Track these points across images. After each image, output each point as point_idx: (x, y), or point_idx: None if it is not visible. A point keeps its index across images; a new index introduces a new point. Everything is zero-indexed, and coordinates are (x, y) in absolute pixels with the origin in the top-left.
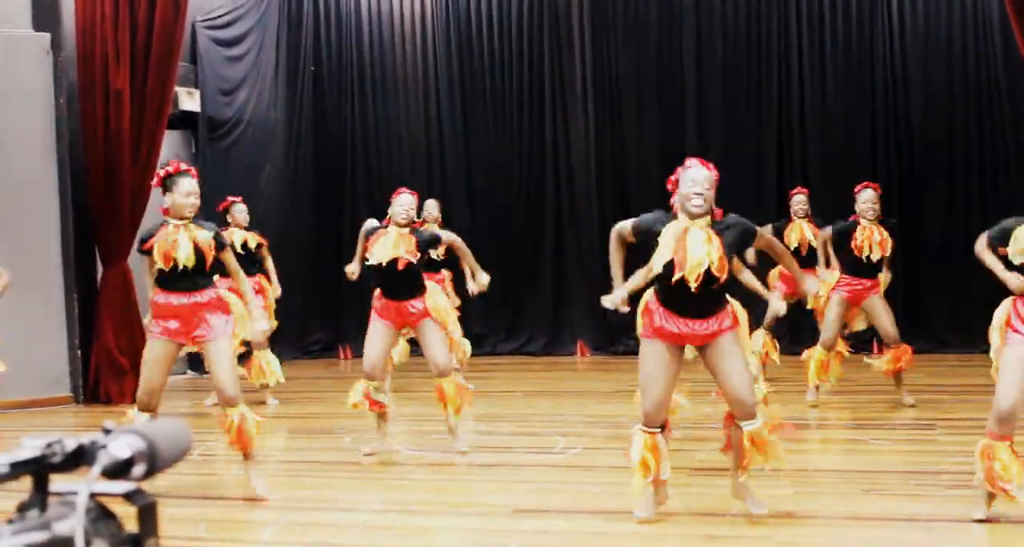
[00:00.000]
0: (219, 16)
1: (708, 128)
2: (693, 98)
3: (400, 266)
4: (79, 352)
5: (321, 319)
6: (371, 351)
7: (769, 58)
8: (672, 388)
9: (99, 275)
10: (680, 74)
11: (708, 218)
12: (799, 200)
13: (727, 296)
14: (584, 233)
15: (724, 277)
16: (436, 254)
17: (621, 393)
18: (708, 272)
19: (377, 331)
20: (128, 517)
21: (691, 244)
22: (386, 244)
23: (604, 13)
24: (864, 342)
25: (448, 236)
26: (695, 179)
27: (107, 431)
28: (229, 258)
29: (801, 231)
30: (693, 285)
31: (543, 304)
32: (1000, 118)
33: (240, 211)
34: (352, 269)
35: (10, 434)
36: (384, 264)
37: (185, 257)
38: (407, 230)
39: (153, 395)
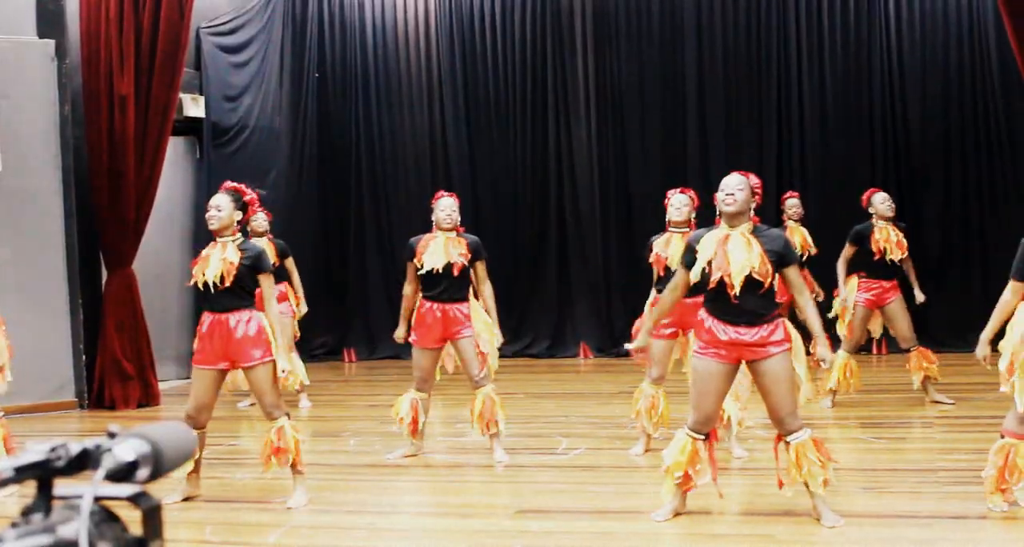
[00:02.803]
0: (223, 22)
1: (709, 135)
2: (695, 105)
3: (455, 272)
4: (84, 357)
5: (326, 324)
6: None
7: (768, 66)
8: (722, 402)
9: (104, 281)
10: (682, 82)
11: (749, 224)
12: (793, 203)
13: (778, 312)
14: (587, 238)
15: (768, 281)
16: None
17: (623, 394)
18: (751, 277)
19: (419, 354)
20: (133, 520)
21: (732, 249)
22: (437, 250)
23: (607, 22)
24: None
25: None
26: (725, 183)
27: (112, 435)
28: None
29: (803, 236)
30: (737, 287)
31: (547, 308)
32: (996, 123)
33: (255, 219)
34: (400, 334)
35: (15, 439)
36: (440, 270)
37: (212, 274)
38: (454, 233)
39: None
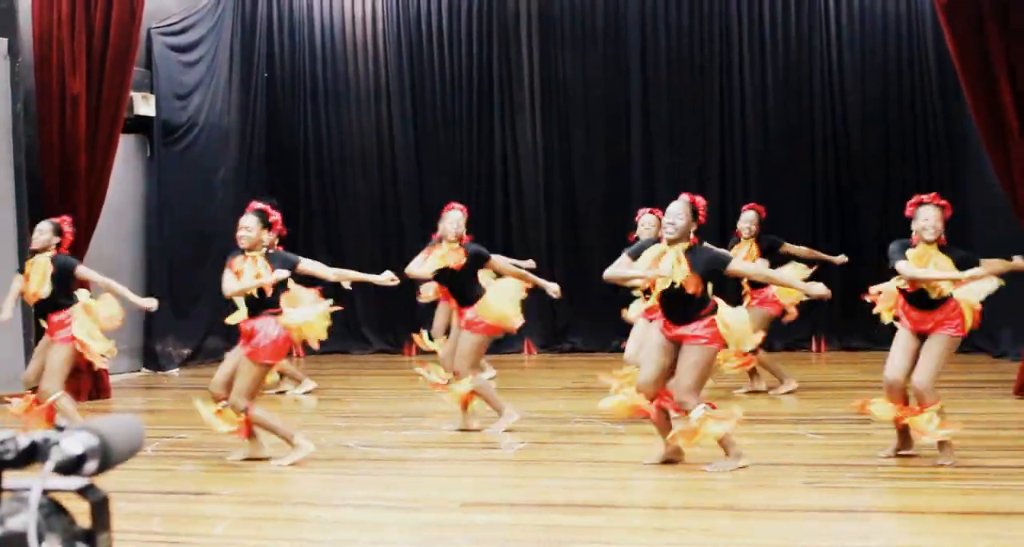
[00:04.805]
0: (174, 22)
1: (653, 137)
2: (638, 107)
3: (448, 276)
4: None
5: None
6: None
7: (711, 70)
8: (661, 372)
9: None
10: (626, 84)
11: (685, 244)
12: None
13: (712, 310)
14: (532, 236)
15: (690, 293)
16: None
17: (567, 390)
18: (675, 290)
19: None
20: (81, 512)
21: (663, 266)
22: (433, 258)
23: (552, 24)
24: (801, 341)
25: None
26: (668, 211)
27: (60, 428)
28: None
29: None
30: (654, 299)
31: None
32: (935, 123)
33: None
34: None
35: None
36: (437, 273)
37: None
38: (457, 244)
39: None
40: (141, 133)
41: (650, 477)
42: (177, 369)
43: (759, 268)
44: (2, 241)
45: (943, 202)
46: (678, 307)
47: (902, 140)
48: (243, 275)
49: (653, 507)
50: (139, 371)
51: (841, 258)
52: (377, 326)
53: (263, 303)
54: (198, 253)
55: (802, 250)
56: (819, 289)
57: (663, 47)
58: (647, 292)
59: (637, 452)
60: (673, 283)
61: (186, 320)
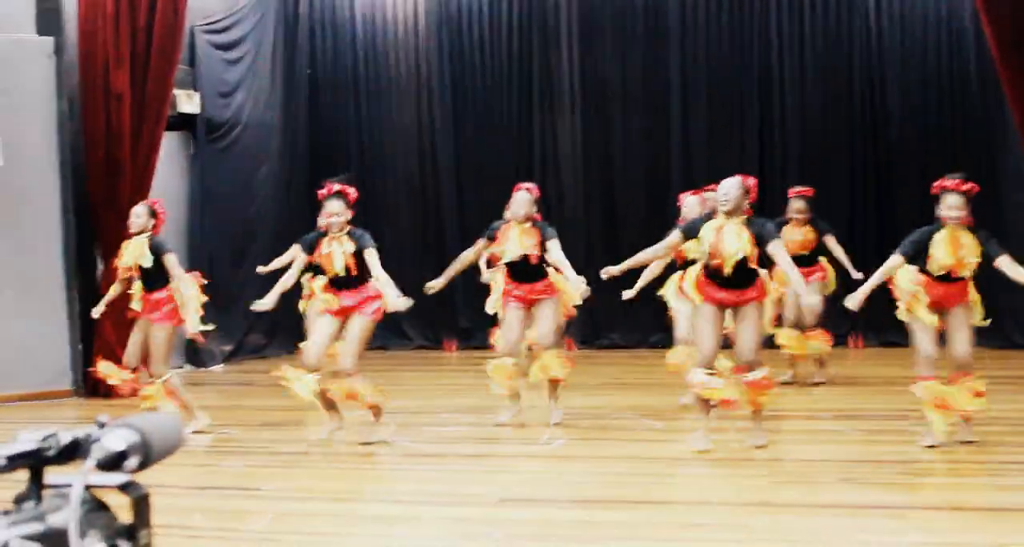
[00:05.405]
0: (217, 20)
1: (692, 131)
2: (678, 101)
3: (533, 261)
4: (80, 347)
5: None
6: (509, 333)
7: (751, 61)
8: (719, 339)
9: (99, 272)
10: (665, 78)
11: (743, 217)
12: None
13: (757, 271)
14: (571, 231)
15: (754, 259)
16: None
17: (606, 385)
18: (740, 260)
19: (512, 315)
20: (122, 508)
21: (726, 238)
22: (512, 241)
23: (592, 19)
24: (839, 337)
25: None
26: (722, 186)
27: (101, 424)
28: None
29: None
30: (728, 271)
31: None
32: (972, 121)
33: None
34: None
35: (12, 427)
36: (517, 260)
37: (339, 267)
38: (528, 224)
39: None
40: (185, 130)
41: (688, 473)
42: (220, 365)
43: (786, 262)
44: (48, 237)
45: (967, 188)
46: (737, 276)
47: (940, 133)
48: (333, 255)
49: (691, 503)
50: (181, 367)
51: (856, 274)
52: (417, 322)
53: (351, 281)
54: (241, 250)
55: (837, 251)
56: (810, 300)
57: (702, 41)
58: (683, 265)
59: (675, 448)
60: (745, 254)
61: (228, 316)
